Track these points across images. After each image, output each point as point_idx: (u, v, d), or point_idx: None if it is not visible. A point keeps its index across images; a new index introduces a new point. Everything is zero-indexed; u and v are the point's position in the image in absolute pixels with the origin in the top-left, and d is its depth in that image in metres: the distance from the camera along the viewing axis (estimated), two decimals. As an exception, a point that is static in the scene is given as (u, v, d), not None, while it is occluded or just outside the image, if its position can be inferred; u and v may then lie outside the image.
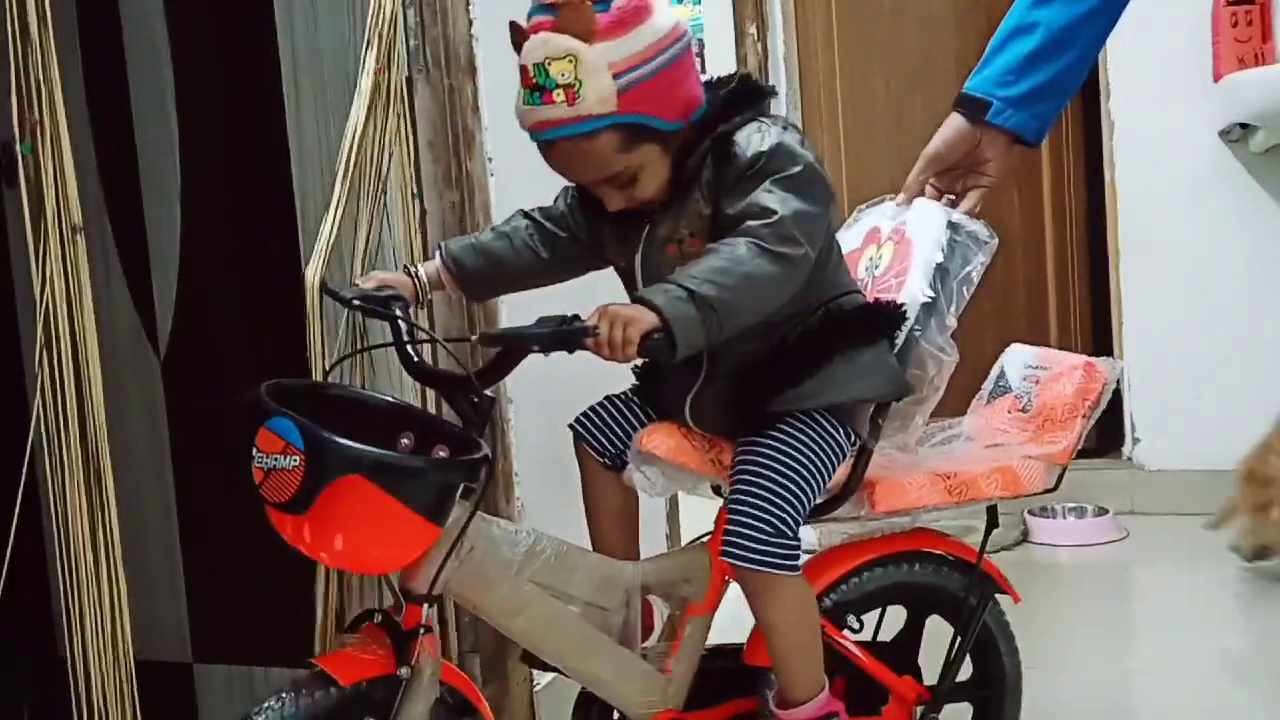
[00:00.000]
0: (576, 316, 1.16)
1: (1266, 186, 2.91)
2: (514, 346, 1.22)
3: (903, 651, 1.57)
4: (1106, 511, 2.97)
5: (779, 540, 1.31)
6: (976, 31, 3.35)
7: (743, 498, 1.32)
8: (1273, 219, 2.91)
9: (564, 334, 1.15)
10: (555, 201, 1.46)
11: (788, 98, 3.38)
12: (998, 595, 1.56)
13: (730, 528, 1.33)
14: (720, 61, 3.37)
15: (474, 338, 1.32)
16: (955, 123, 1.40)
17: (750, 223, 1.23)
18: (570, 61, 1.20)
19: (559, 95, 1.21)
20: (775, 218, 1.22)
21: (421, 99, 1.66)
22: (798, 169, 1.25)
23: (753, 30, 3.25)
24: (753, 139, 1.27)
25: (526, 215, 1.46)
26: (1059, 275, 3.37)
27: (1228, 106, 2.84)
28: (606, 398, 1.51)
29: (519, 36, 1.24)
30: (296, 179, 1.77)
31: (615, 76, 1.21)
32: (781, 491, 1.31)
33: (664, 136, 1.27)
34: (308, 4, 1.73)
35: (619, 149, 1.25)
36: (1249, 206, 2.92)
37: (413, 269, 1.44)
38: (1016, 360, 1.62)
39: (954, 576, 1.53)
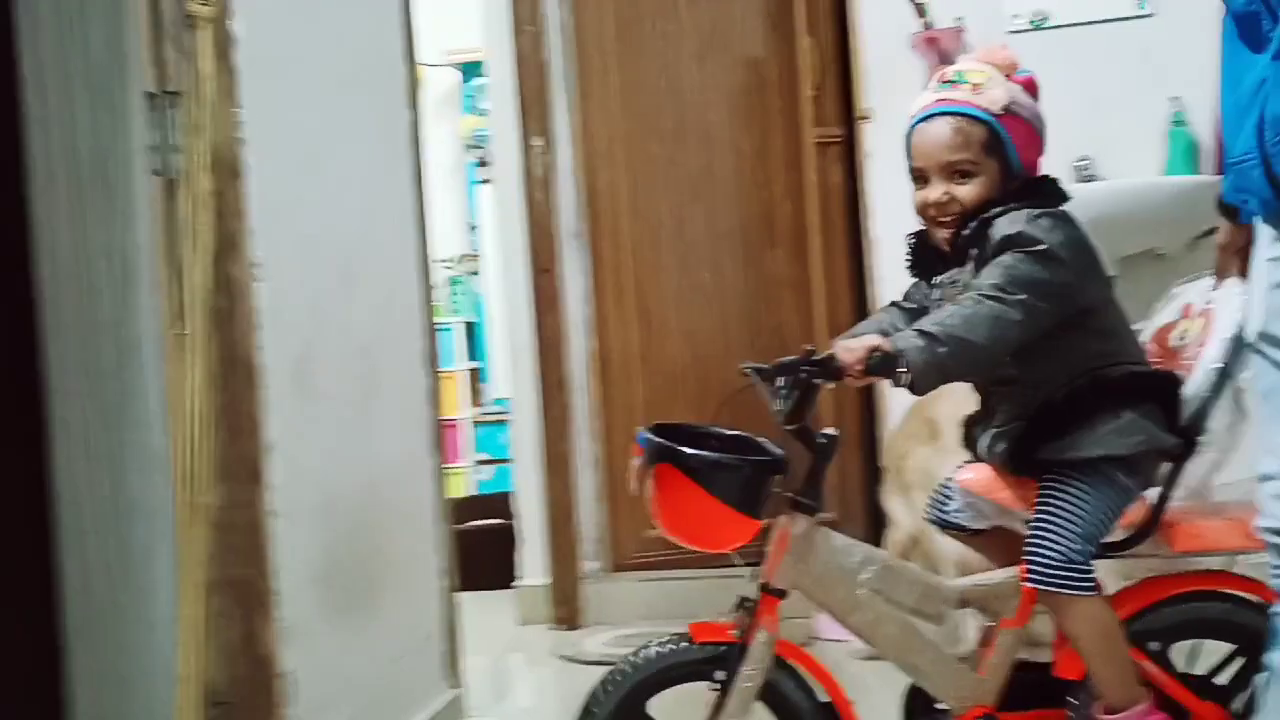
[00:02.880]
0: (814, 350, 1.53)
1: (1014, 302, 3.13)
2: (780, 374, 1.57)
3: (1209, 682, 1.69)
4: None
5: (1070, 566, 1.57)
6: (752, 147, 3.52)
7: (1036, 531, 1.60)
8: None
9: (806, 358, 1.53)
10: (909, 293, 1.80)
11: (576, 209, 3.43)
12: None
13: (1027, 556, 1.60)
14: (505, 174, 3.40)
15: (753, 369, 1.63)
16: (1223, 223, 1.61)
17: (978, 280, 1.56)
18: (984, 74, 1.65)
19: (966, 88, 1.64)
20: (998, 275, 1.54)
21: (183, 202, 1.60)
22: (1036, 248, 1.55)
23: (539, 143, 3.30)
24: (1003, 224, 1.59)
25: (894, 303, 1.82)
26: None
27: (977, 228, 3.06)
28: (939, 488, 1.82)
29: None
30: (49, 282, 1.67)
31: (1009, 100, 1.64)
32: (1068, 526, 1.58)
33: (1006, 167, 1.64)
34: (64, 101, 1.65)
35: (980, 145, 1.63)
36: (1000, 320, 3.13)
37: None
38: None
39: (1255, 616, 1.62)
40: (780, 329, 3.51)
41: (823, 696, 1.64)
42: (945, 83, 1.67)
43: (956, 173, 1.64)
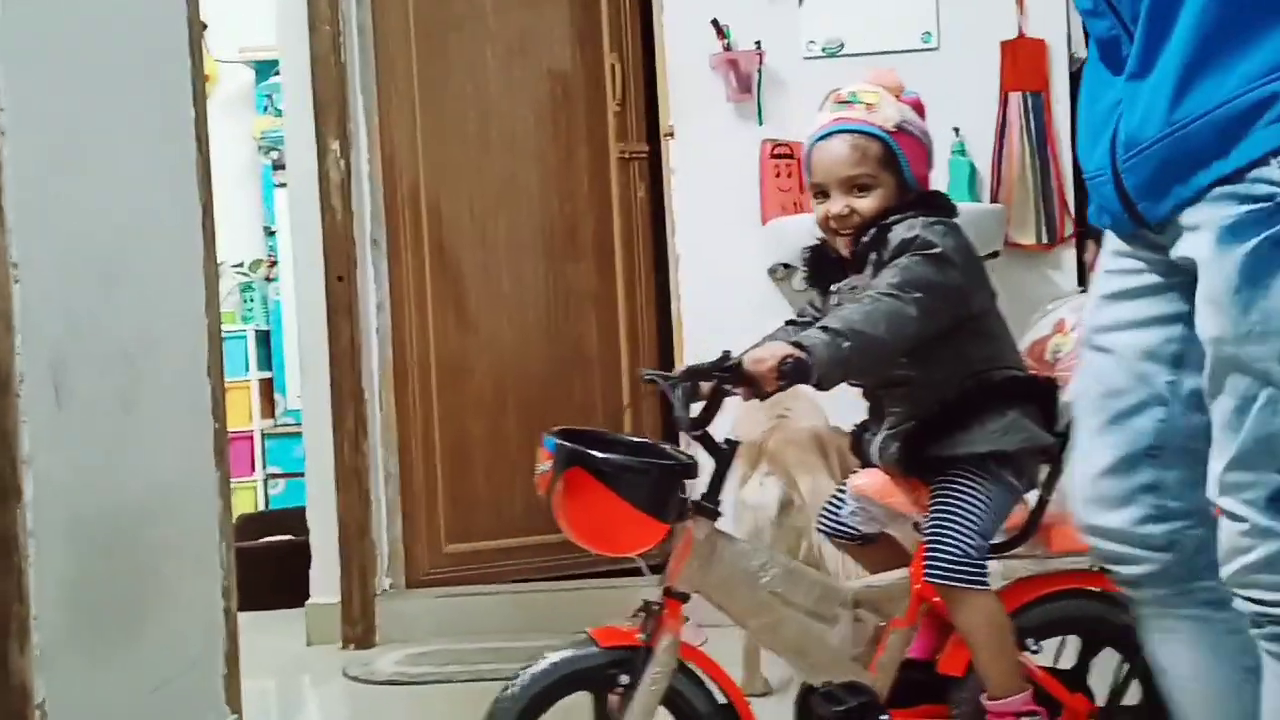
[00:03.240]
0: (727, 354, 1.59)
1: (807, 320, 3.22)
2: (694, 380, 1.65)
3: (1076, 675, 1.80)
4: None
5: (967, 561, 1.66)
6: (557, 158, 3.52)
7: (935, 528, 1.69)
8: (814, 349, 3.21)
9: (718, 363, 1.59)
10: (803, 310, 1.88)
11: (372, 214, 3.34)
12: None
13: (928, 554, 1.69)
14: (301, 177, 3.28)
15: (672, 377, 1.68)
16: (1092, 246, 1.66)
17: (876, 280, 1.66)
18: (877, 94, 1.75)
19: (860, 108, 1.74)
20: (895, 274, 1.64)
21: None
22: (931, 250, 1.66)
23: (335, 146, 3.20)
24: (899, 230, 1.69)
25: (789, 321, 1.87)
26: (633, 395, 3.53)
27: (773, 248, 3.14)
28: (831, 497, 1.90)
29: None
30: None
31: (901, 118, 1.74)
32: (964, 523, 1.68)
33: (901, 181, 1.74)
34: None
35: (877, 160, 1.73)
36: (794, 337, 3.21)
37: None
38: None
39: (1122, 612, 1.67)
40: (581, 341, 3.52)
41: (721, 698, 1.67)
42: (840, 103, 1.77)
43: (855, 187, 1.74)
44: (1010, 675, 1.69)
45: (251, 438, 4.91)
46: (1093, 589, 1.79)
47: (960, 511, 1.68)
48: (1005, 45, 3.14)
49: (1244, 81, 1.15)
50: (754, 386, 1.58)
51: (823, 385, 1.59)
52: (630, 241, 3.55)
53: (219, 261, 2.78)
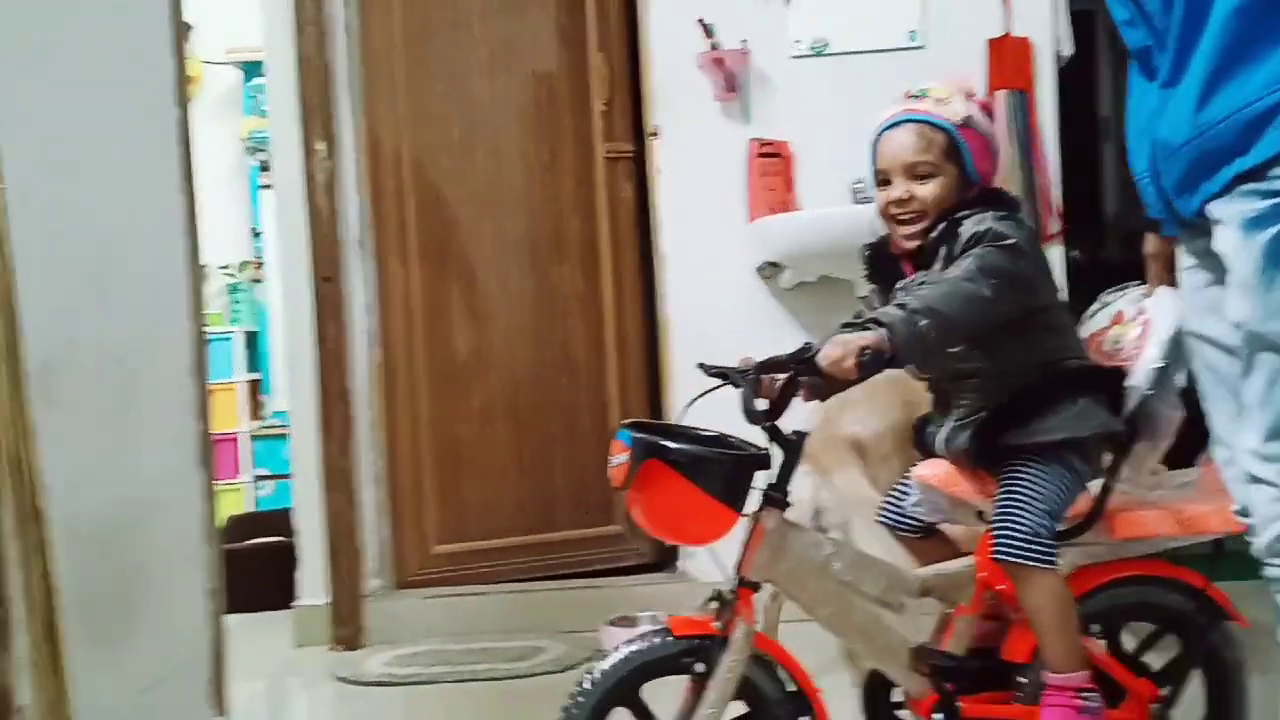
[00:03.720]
0: (809, 345, 1.63)
1: (796, 318, 3.22)
2: (770, 372, 1.69)
3: (1140, 661, 1.84)
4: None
5: (1037, 540, 1.68)
6: (542, 161, 3.51)
7: (1005, 509, 1.71)
8: (800, 348, 3.22)
9: (797, 354, 1.64)
10: (859, 312, 1.84)
11: (359, 216, 3.34)
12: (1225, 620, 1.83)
13: (997, 534, 1.70)
14: (287, 179, 3.27)
15: (750, 371, 1.70)
16: (1149, 236, 1.77)
17: (953, 270, 1.69)
18: (946, 91, 1.80)
19: (929, 101, 1.79)
20: (971, 260, 1.68)
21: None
22: (1006, 242, 1.70)
23: (321, 147, 3.19)
24: (971, 225, 1.73)
25: (845, 325, 1.81)
26: (621, 396, 3.53)
27: (760, 246, 3.14)
28: (891, 488, 1.93)
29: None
30: None
31: (968, 114, 1.79)
32: (1035, 505, 1.70)
33: (963, 174, 1.78)
34: None
35: (941, 150, 1.77)
36: (783, 336, 3.20)
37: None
38: None
39: (1184, 599, 1.81)
40: (567, 343, 3.51)
41: (791, 686, 1.69)
42: (911, 96, 1.81)
43: (917, 174, 1.77)
44: (1073, 653, 1.72)
45: (238, 439, 4.90)
46: (1157, 576, 1.84)
47: (1030, 492, 1.71)
48: (991, 44, 3.15)
49: (1262, 88, 1.29)
50: (830, 380, 1.62)
51: (898, 361, 1.63)
52: (616, 242, 3.54)
53: (205, 263, 2.78)
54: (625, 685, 1.64)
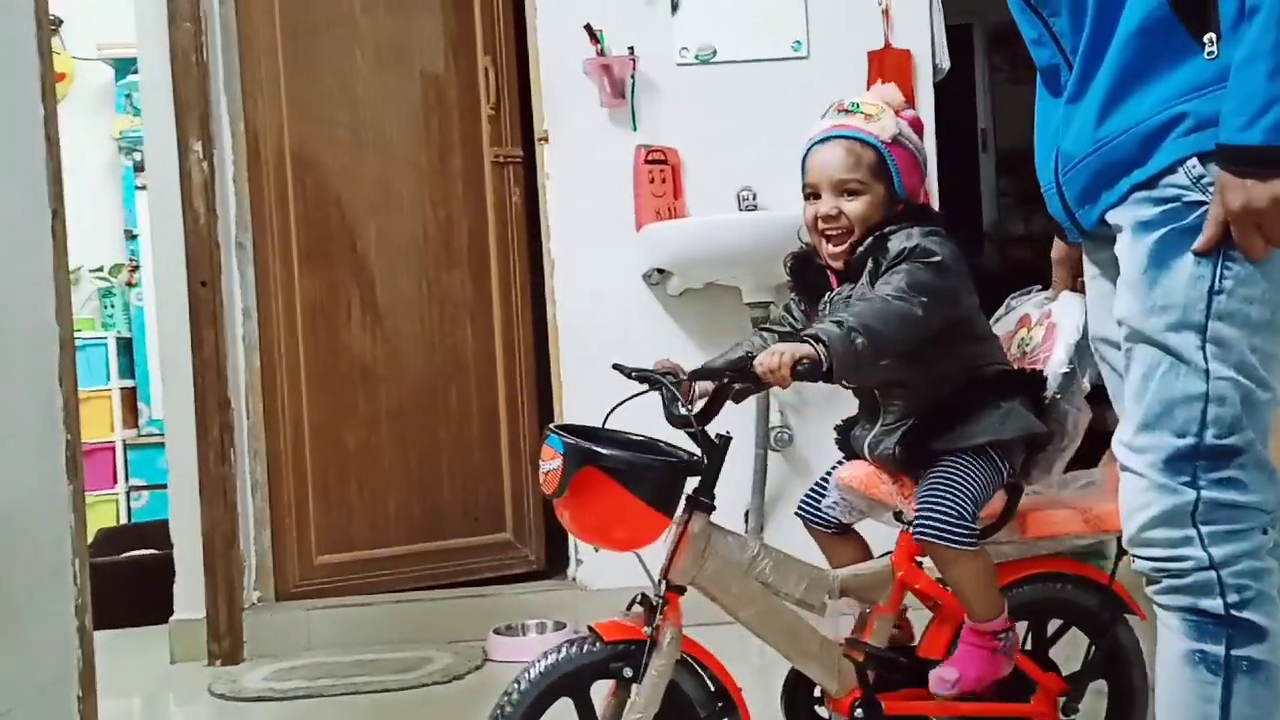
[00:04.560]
0: (749, 355, 1.70)
1: (681, 324, 3.24)
2: (706, 379, 1.77)
3: (1044, 655, 1.92)
4: (564, 625, 3.08)
5: (959, 522, 1.73)
6: (431, 163, 3.47)
7: (928, 495, 1.76)
8: (688, 354, 3.23)
9: (735, 362, 1.76)
10: (776, 314, 1.97)
11: (237, 218, 3.25)
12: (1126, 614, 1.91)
13: (920, 516, 1.75)
14: (162, 179, 3.16)
15: (684, 379, 1.77)
16: (1056, 241, 1.79)
17: (883, 287, 1.72)
18: (876, 107, 1.84)
19: (859, 117, 1.83)
20: (901, 278, 1.71)
21: None
22: (932, 259, 1.74)
23: (198, 147, 3.10)
24: (899, 240, 1.77)
25: (761, 329, 1.96)
26: (509, 402, 3.51)
27: (648, 253, 3.15)
28: (814, 484, 1.96)
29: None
30: None
31: (898, 131, 1.83)
32: (958, 490, 1.75)
33: (891, 191, 1.82)
34: None
35: (870, 168, 1.81)
36: (670, 341, 3.22)
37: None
38: None
39: (1088, 595, 1.89)
40: (456, 348, 3.48)
41: (712, 686, 1.72)
42: (841, 111, 1.84)
43: (846, 191, 1.81)
44: (994, 604, 1.79)
45: (113, 448, 4.73)
46: (1063, 572, 1.91)
47: (954, 481, 1.76)
48: (872, 55, 3.21)
49: (1157, 105, 1.36)
50: (758, 386, 1.67)
51: (834, 378, 1.65)
52: (505, 247, 3.52)
53: (77, 266, 2.67)
54: (554, 691, 1.65)
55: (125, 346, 4.86)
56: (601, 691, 1.72)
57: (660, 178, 3.15)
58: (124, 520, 4.63)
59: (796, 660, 1.81)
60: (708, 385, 1.80)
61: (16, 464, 2.02)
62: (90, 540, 2.34)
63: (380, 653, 3.05)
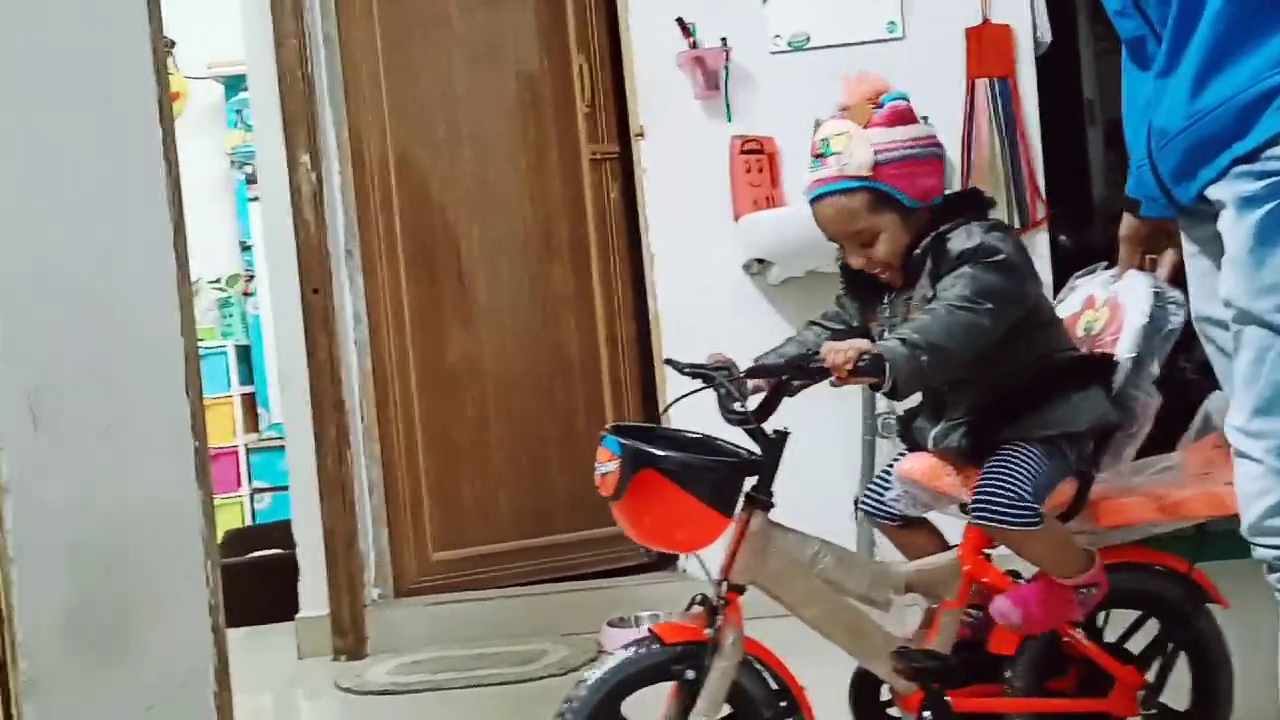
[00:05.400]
0: (815, 354, 1.64)
1: (783, 314, 3.23)
2: (765, 376, 1.72)
3: (1123, 648, 1.85)
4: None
5: (1020, 504, 1.67)
6: (529, 162, 3.52)
7: (986, 480, 1.70)
8: (792, 342, 3.22)
9: (797, 359, 1.74)
10: (831, 307, 1.89)
11: (345, 226, 3.34)
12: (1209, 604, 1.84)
13: (977, 502, 1.70)
14: (273, 191, 3.27)
15: (742, 374, 1.73)
16: (1126, 216, 1.74)
17: (948, 291, 1.65)
18: (845, 137, 1.70)
19: (833, 161, 1.71)
20: (965, 283, 1.64)
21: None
22: (997, 258, 1.66)
23: (305, 159, 3.19)
24: (959, 239, 1.69)
25: (813, 322, 1.90)
26: (614, 395, 3.54)
27: (747, 243, 3.15)
28: (878, 473, 1.90)
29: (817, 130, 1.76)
30: None
31: (876, 152, 1.69)
32: (1018, 475, 1.68)
33: (904, 211, 1.71)
34: None
35: (868, 209, 1.71)
36: (772, 331, 3.20)
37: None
38: (1218, 404, 1.79)
39: (1168, 585, 1.82)
40: (561, 345, 3.52)
41: (776, 685, 1.68)
42: (816, 157, 1.75)
43: (860, 243, 1.74)
44: (1079, 560, 1.74)
45: (236, 453, 4.91)
46: (1141, 562, 1.84)
47: (1014, 467, 1.70)
48: (970, 32, 3.16)
49: (1255, 74, 1.31)
50: (820, 378, 1.64)
51: (898, 395, 1.62)
52: (605, 243, 3.55)
53: (196, 278, 2.78)
54: (616, 694, 1.61)
55: (244, 354, 5.04)
56: (658, 694, 1.68)
57: (757, 167, 3.14)
58: (248, 522, 4.80)
59: (862, 658, 1.76)
60: (761, 380, 1.75)
61: (151, 472, 2.12)
62: (218, 542, 2.44)
63: (498, 646, 3.11)
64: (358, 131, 3.37)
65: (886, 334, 1.72)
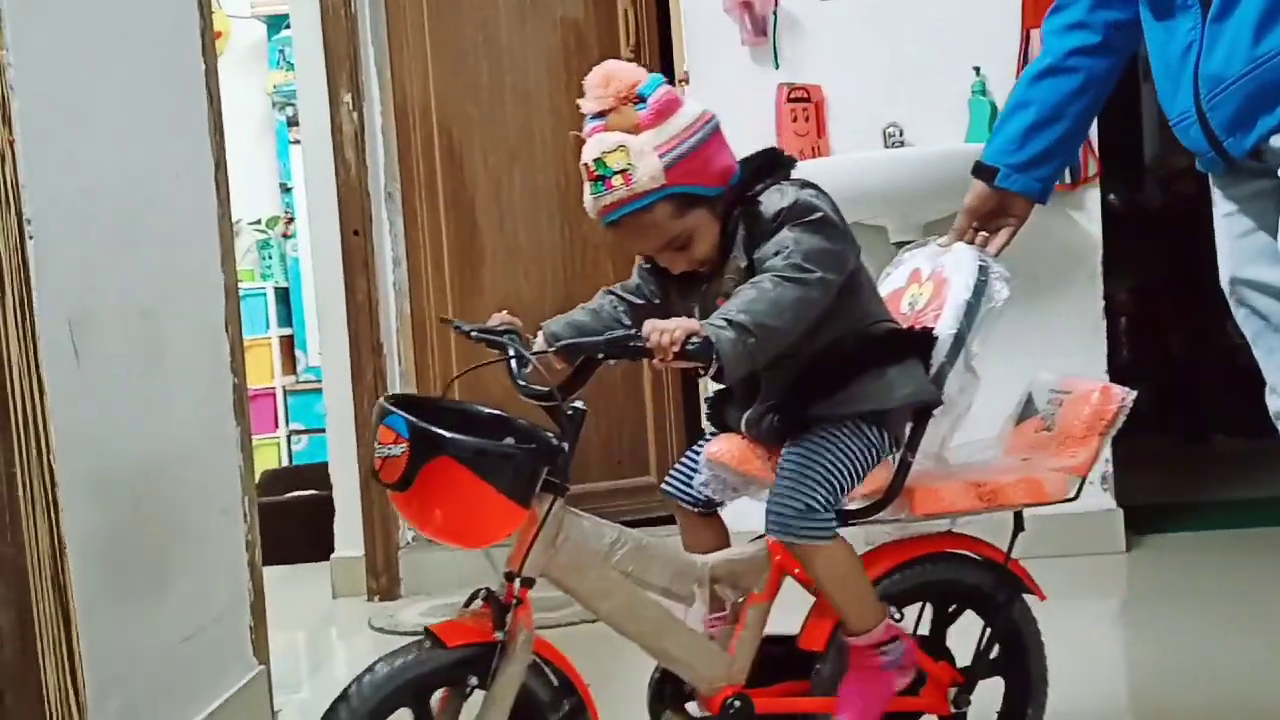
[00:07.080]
0: (637, 332, 1.41)
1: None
2: (581, 353, 1.52)
3: (937, 642, 1.75)
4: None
5: (810, 516, 1.55)
6: (571, 108, 3.46)
7: (781, 484, 1.57)
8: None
9: (619, 339, 1.43)
10: (632, 276, 1.70)
11: (385, 168, 3.33)
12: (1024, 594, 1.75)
13: (770, 509, 1.58)
14: (315, 132, 3.26)
15: (553, 349, 1.55)
16: (977, 185, 1.67)
17: (772, 260, 1.50)
18: (622, 151, 1.49)
19: (617, 180, 1.50)
20: (790, 252, 1.49)
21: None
22: (815, 215, 1.52)
23: (348, 99, 3.18)
24: (773, 199, 1.54)
25: (609, 291, 1.71)
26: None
27: (791, 193, 3.10)
28: (685, 455, 1.76)
29: (580, 145, 1.53)
30: None
31: (661, 156, 1.49)
32: (812, 477, 1.56)
33: (710, 201, 1.55)
34: None
35: (673, 216, 1.53)
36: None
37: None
38: (1041, 386, 1.78)
39: (984, 575, 1.72)
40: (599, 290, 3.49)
41: (557, 682, 1.52)
42: (595, 181, 1.52)
43: (676, 248, 1.57)
44: (868, 610, 1.62)
45: (274, 395, 4.94)
46: (955, 552, 1.73)
47: (810, 464, 1.57)
48: (1024, -20, 3.08)
49: None
50: (641, 358, 1.43)
51: (724, 379, 1.46)
52: (646, 190, 3.52)
53: (236, 219, 2.78)
54: (387, 705, 1.41)
55: (283, 296, 5.06)
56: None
57: (803, 116, 3.09)
58: (285, 463, 4.84)
59: (662, 657, 1.61)
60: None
61: (188, 407, 2.13)
62: (255, 481, 2.45)
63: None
64: (400, 74, 3.35)
65: (708, 311, 1.53)
